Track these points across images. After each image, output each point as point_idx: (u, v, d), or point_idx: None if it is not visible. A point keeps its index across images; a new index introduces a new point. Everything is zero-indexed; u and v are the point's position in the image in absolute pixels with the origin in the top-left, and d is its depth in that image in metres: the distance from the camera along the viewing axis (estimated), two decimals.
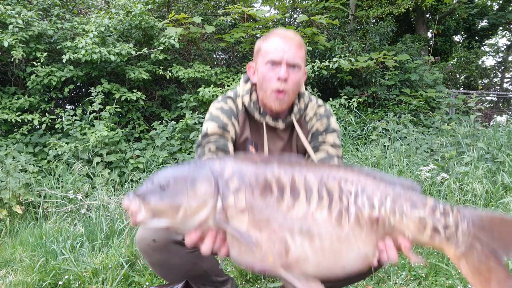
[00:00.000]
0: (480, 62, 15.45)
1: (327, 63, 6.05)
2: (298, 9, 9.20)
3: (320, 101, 1.82)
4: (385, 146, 5.12)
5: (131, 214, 1.11)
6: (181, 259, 1.56)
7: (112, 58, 5.21)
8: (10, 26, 5.03)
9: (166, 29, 5.95)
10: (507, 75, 17.25)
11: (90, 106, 5.18)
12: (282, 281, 1.22)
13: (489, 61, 22.03)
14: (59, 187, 4.12)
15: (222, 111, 1.71)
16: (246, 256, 1.14)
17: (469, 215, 1.24)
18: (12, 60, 5.11)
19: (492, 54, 17.66)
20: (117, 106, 5.33)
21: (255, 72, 1.72)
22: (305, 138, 1.71)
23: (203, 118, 5.03)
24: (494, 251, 1.22)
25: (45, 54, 5.20)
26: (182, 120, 5.22)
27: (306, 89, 5.70)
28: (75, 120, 4.91)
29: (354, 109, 6.09)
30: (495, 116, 11.62)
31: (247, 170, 1.18)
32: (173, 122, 5.31)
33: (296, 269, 1.16)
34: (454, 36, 15.06)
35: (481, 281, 1.23)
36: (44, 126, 5.10)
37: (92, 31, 5.33)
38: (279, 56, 1.59)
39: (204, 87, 5.70)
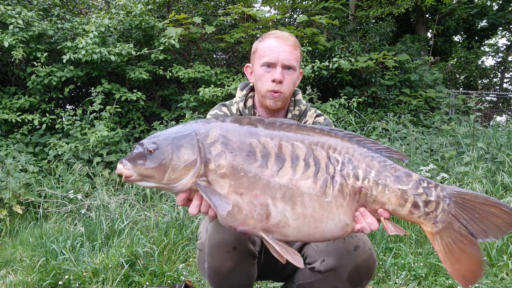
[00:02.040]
0: (480, 62, 15.45)
1: (327, 63, 6.05)
2: (298, 9, 9.19)
3: (319, 112, 1.86)
4: None
5: (124, 178, 1.20)
6: (247, 270, 1.54)
7: (112, 58, 5.22)
8: (11, 26, 5.03)
9: (166, 29, 5.95)
10: (506, 75, 17.24)
11: (90, 106, 5.18)
12: (264, 242, 1.25)
13: (488, 61, 22.02)
14: (59, 187, 4.12)
15: (215, 117, 1.75)
16: (228, 218, 1.20)
17: (453, 193, 1.24)
18: (12, 60, 5.11)
19: (492, 54, 17.66)
20: (117, 106, 5.33)
21: (252, 73, 1.76)
22: None
23: (203, 118, 5.02)
24: (472, 232, 1.22)
25: (45, 54, 5.20)
26: (182, 120, 5.22)
27: (306, 89, 5.73)
28: (75, 120, 4.91)
29: (354, 109, 6.09)
30: (494, 116, 11.62)
31: (232, 135, 1.22)
32: (173, 122, 5.31)
33: (276, 233, 1.21)
34: (454, 36, 15.06)
35: (451, 260, 1.23)
36: (44, 126, 5.10)
37: (92, 31, 5.34)
38: (274, 58, 1.63)
39: (204, 87, 5.70)
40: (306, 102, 1.96)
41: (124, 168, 1.20)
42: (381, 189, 1.22)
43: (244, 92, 1.81)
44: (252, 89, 1.81)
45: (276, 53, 1.63)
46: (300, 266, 1.21)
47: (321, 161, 1.21)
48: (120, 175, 1.21)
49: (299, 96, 1.81)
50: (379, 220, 1.25)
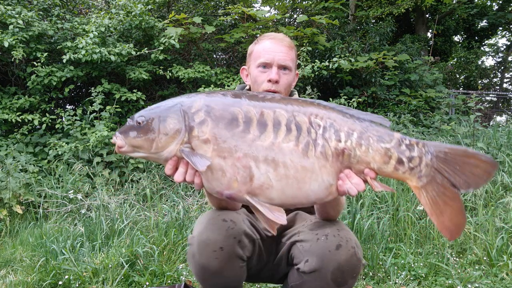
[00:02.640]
0: (479, 62, 15.45)
1: (327, 63, 6.05)
2: (298, 9, 9.19)
3: None
4: None
5: (117, 148, 1.29)
6: (234, 272, 1.53)
7: (112, 58, 5.22)
8: (11, 26, 5.03)
9: (166, 29, 5.95)
10: (506, 75, 17.24)
11: (90, 106, 5.18)
12: (250, 206, 1.27)
13: (488, 61, 22.02)
14: (59, 187, 4.13)
15: None
16: (213, 183, 1.25)
17: (434, 148, 1.29)
18: (12, 60, 5.11)
19: (492, 54, 17.66)
20: (117, 106, 5.33)
21: (248, 75, 1.77)
22: None
23: None
24: (454, 183, 1.27)
25: (45, 54, 5.20)
26: None
27: (306, 89, 5.73)
28: (75, 120, 4.91)
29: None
30: (494, 116, 11.62)
31: (215, 104, 1.27)
32: None
33: (261, 195, 1.24)
34: (454, 36, 15.06)
35: (436, 213, 1.28)
36: (44, 126, 5.10)
37: (92, 31, 5.34)
38: (269, 58, 1.65)
39: (204, 87, 5.70)
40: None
41: (117, 139, 1.30)
42: (365, 149, 1.26)
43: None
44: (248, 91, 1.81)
45: (271, 54, 1.64)
46: (283, 223, 1.24)
47: (302, 126, 1.25)
48: (114, 144, 1.31)
49: (295, 97, 1.81)
50: (365, 181, 1.29)
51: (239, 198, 1.26)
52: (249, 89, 1.79)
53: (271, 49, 1.65)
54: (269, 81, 1.64)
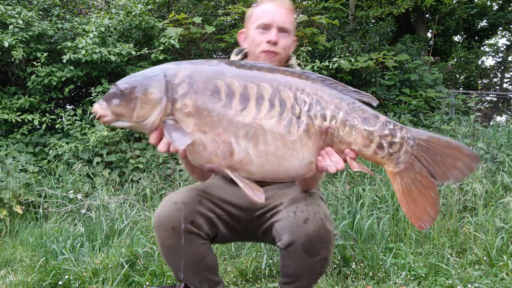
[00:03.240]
0: (479, 62, 15.44)
1: (327, 63, 6.05)
2: (298, 9, 9.19)
3: None
4: None
5: (99, 117, 1.26)
6: (193, 249, 1.61)
7: (112, 58, 5.22)
8: (11, 26, 5.03)
9: (166, 29, 5.95)
10: (506, 75, 17.23)
11: (90, 106, 5.18)
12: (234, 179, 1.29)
13: (488, 61, 22.01)
14: (59, 187, 4.13)
15: None
16: (195, 156, 1.26)
17: (416, 135, 1.27)
18: (12, 60, 5.11)
19: (492, 54, 17.65)
20: None
21: (246, 39, 1.76)
22: None
23: None
24: (432, 173, 1.26)
25: (45, 54, 5.20)
26: None
27: None
28: (75, 120, 4.92)
29: None
30: (494, 116, 11.62)
31: (199, 76, 1.25)
32: None
33: (241, 170, 1.25)
34: (454, 36, 15.06)
35: (408, 201, 1.27)
36: (44, 126, 5.10)
37: (92, 31, 5.34)
38: (269, 19, 1.64)
39: None
40: (301, 68, 1.97)
41: (100, 107, 1.26)
42: (348, 129, 1.25)
43: (240, 56, 1.80)
44: (246, 55, 1.80)
45: (271, 15, 1.64)
46: (260, 201, 1.25)
47: (287, 102, 1.24)
48: (94, 113, 1.27)
49: (292, 61, 1.80)
50: (345, 160, 1.29)
51: (220, 172, 1.28)
52: (246, 53, 1.78)
53: (271, 11, 1.64)
54: (268, 42, 1.63)
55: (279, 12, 1.65)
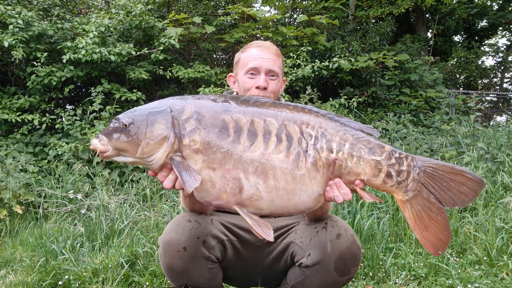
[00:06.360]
0: (480, 62, 15.43)
1: (327, 63, 6.05)
2: (298, 9, 9.19)
3: None
4: None
5: (99, 152, 1.21)
6: (201, 273, 1.54)
7: (112, 58, 5.21)
8: (11, 26, 5.03)
9: (166, 29, 5.95)
10: (506, 75, 17.23)
11: (90, 106, 5.18)
12: (242, 215, 1.27)
13: (489, 61, 22.03)
14: (59, 187, 4.12)
15: None
16: (203, 193, 1.23)
17: (422, 163, 1.30)
18: (12, 60, 5.11)
19: (492, 54, 17.64)
20: (117, 106, 5.32)
21: (235, 82, 1.78)
22: None
23: None
24: (440, 200, 1.28)
25: (45, 54, 5.20)
26: None
27: (306, 89, 5.72)
28: (75, 120, 4.91)
29: (354, 109, 6.09)
30: (495, 116, 11.62)
31: (206, 111, 1.24)
32: None
33: (250, 206, 1.24)
34: (454, 36, 15.04)
35: (420, 227, 1.28)
36: (44, 126, 5.10)
37: (92, 31, 5.33)
38: (257, 64, 1.66)
39: (204, 87, 5.70)
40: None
41: (99, 143, 1.22)
42: (356, 160, 1.27)
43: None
44: None
45: (259, 60, 1.66)
46: (270, 239, 1.23)
47: (293, 136, 1.25)
48: (94, 150, 1.24)
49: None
50: (353, 191, 1.29)
51: (228, 208, 1.26)
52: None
53: (259, 56, 1.67)
54: (257, 87, 1.65)
55: (266, 57, 1.67)
